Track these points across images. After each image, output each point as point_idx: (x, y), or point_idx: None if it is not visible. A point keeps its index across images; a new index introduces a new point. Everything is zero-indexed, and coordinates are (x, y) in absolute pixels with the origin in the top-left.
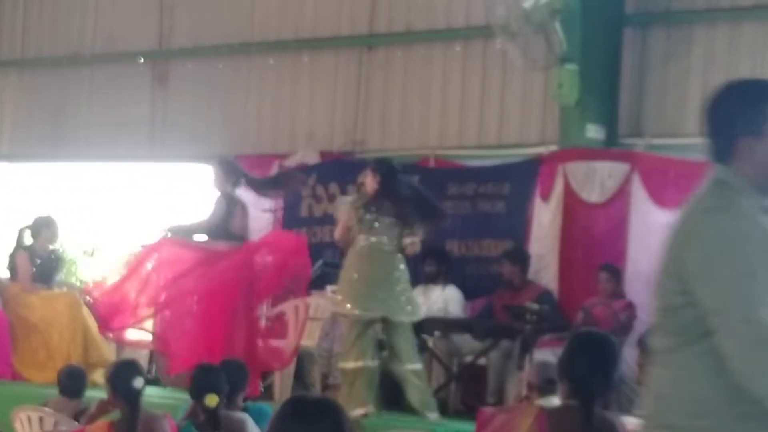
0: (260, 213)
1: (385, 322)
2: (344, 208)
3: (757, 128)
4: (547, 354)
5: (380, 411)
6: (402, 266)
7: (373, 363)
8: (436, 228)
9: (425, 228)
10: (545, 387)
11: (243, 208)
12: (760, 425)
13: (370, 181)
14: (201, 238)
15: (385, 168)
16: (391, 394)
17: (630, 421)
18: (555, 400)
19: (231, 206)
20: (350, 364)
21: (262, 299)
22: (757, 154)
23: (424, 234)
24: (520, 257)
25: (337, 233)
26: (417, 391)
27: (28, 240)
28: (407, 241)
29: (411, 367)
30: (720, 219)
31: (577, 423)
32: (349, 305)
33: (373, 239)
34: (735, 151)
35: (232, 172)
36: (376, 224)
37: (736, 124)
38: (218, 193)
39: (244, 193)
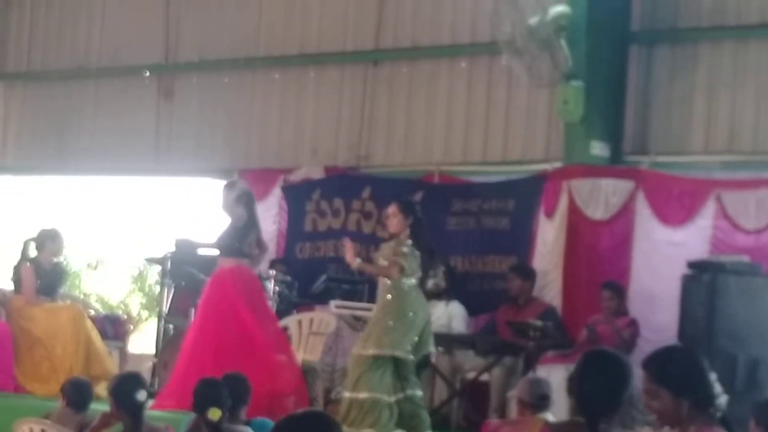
0: (264, 227)
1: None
2: (394, 250)
3: None
4: (545, 371)
5: None
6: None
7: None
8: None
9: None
10: (538, 403)
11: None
12: None
13: (399, 222)
14: (208, 252)
15: (414, 208)
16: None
17: None
18: (549, 416)
19: (248, 229)
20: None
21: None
22: None
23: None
24: (528, 273)
25: (392, 272)
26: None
27: (32, 252)
28: (431, 282)
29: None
30: None
31: None
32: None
33: (413, 281)
34: None
35: (241, 193)
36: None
37: None
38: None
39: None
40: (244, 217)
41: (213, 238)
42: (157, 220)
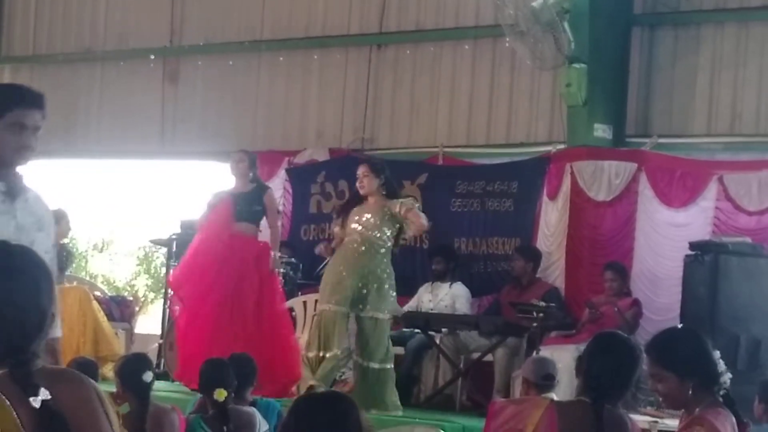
0: None
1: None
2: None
3: None
4: (549, 352)
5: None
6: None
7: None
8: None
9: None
10: (542, 383)
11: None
12: None
13: (370, 182)
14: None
15: (383, 167)
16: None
17: (639, 419)
18: (553, 396)
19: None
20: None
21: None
22: None
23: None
24: (533, 254)
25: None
26: None
27: None
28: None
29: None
30: None
31: (587, 419)
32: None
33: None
34: None
35: (254, 163)
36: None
37: None
38: (239, 180)
39: None
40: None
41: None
42: (163, 202)
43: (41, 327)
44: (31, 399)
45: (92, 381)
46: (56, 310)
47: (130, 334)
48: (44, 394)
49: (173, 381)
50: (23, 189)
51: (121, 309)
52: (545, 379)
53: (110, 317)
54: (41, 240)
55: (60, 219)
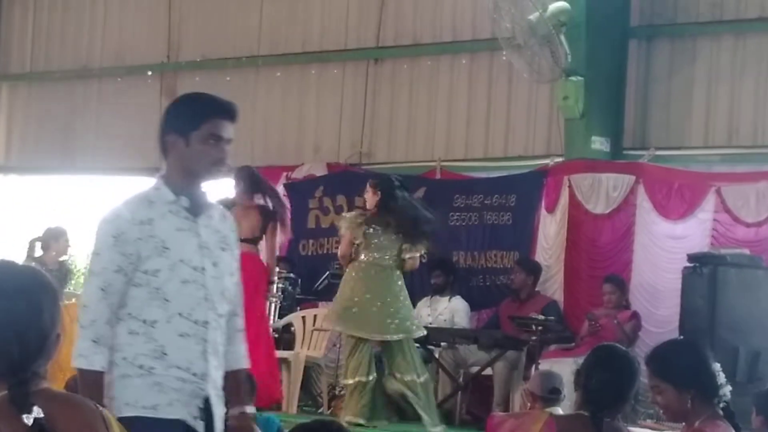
0: None
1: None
2: (346, 225)
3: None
4: (548, 365)
5: (375, 423)
6: (400, 282)
7: (367, 378)
8: (432, 241)
9: (425, 244)
10: (548, 397)
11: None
12: None
13: (370, 198)
14: None
15: (386, 185)
16: (400, 406)
17: None
18: (559, 410)
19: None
20: (348, 381)
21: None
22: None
23: (426, 249)
24: (534, 268)
25: (342, 249)
26: (417, 404)
27: (38, 252)
28: (407, 256)
29: (409, 378)
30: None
31: None
32: (339, 326)
33: (375, 255)
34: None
35: (256, 183)
36: (376, 241)
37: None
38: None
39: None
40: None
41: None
42: None
43: (42, 347)
44: (24, 417)
45: (99, 407)
46: (62, 330)
47: None
48: (37, 412)
49: None
50: (208, 205)
51: None
52: (551, 393)
53: None
54: (226, 260)
55: (59, 236)
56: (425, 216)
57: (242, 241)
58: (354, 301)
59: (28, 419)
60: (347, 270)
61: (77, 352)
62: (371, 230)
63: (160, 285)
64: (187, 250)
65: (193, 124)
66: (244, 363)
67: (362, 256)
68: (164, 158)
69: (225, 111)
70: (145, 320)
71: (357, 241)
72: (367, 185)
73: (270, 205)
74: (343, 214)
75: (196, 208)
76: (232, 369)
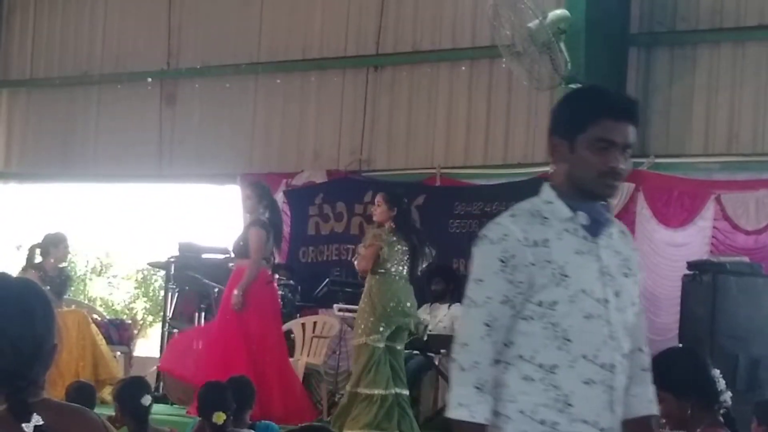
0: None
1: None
2: (378, 239)
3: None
4: None
5: None
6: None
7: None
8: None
9: (427, 260)
10: None
11: (269, 232)
12: None
13: (383, 212)
14: (212, 255)
15: (401, 201)
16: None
17: None
18: None
19: (266, 231)
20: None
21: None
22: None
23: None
24: None
25: (367, 263)
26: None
27: (38, 258)
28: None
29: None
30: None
31: None
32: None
33: (401, 269)
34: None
35: (263, 195)
36: (399, 255)
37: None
38: (248, 215)
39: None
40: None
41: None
42: (161, 225)
43: (37, 356)
44: (23, 425)
45: (100, 417)
46: (59, 340)
47: (128, 358)
48: (36, 419)
49: (172, 404)
50: (608, 221)
51: (119, 332)
52: None
53: (109, 340)
54: (629, 288)
55: (58, 243)
56: (424, 236)
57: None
58: (395, 311)
59: (27, 428)
60: (379, 284)
61: (456, 399)
62: (398, 246)
63: (558, 320)
64: (588, 278)
65: (578, 126)
66: (653, 408)
67: (392, 269)
68: (552, 162)
69: (619, 110)
70: (542, 364)
71: (387, 256)
72: (379, 198)
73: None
74: (372, 228)
75: (596, 225)
76: (639, 415)
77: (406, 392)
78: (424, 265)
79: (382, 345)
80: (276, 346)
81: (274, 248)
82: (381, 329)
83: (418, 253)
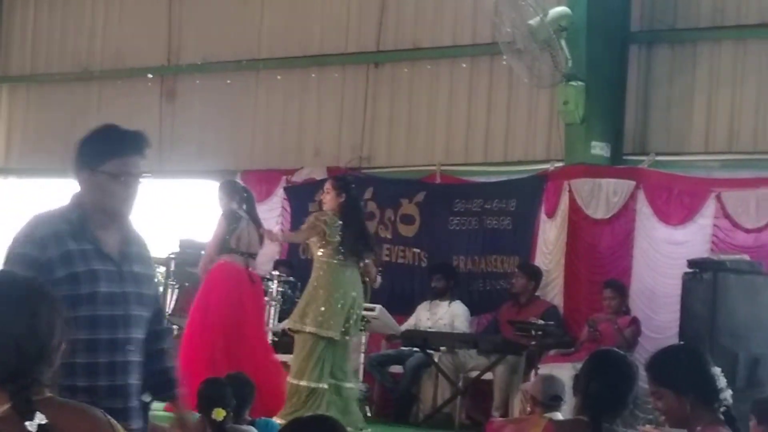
0: (267, 227)
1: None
2: (321, 220)
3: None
4: (547, 370)
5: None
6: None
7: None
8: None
9: (369, 255)
10: (549, 403)
11: (249, 224)
12: None
13: (333, 199)
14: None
15: (348, 186)
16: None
17: None
18: (558, 415)
19: (233, 223)
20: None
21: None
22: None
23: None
24: (535, 273)
25: (300, 236)
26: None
27: None
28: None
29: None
30: None
31: None
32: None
33: (340, 257)
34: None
35: (233, 191)
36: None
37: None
38: (222, 211)
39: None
40: (232, 214)
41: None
42: (161, 221)
43: (41, 354)
44: (27, 423)
45: (105, 414)
46: (65, 339)
47: None
48: (40, 418)
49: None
50: None
51: None
52: (552, 399)
53: None
54: None
55: None
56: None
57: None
58: (333, 301)
59: (31, 426)
60: (320, 271)
61: None
62: (335, 232)
63: None
64: None
65: None
66: None
67: (330, 258)
68: None
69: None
70: None
71: (331, 239)
72: (328, 185)
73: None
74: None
75: None
76: None
77: (348, 384)
78: (368, 258)
79: (323, 335)
80: (255, 342)
81: (257, 241)
82: (320, 319)
83: (358, 240)
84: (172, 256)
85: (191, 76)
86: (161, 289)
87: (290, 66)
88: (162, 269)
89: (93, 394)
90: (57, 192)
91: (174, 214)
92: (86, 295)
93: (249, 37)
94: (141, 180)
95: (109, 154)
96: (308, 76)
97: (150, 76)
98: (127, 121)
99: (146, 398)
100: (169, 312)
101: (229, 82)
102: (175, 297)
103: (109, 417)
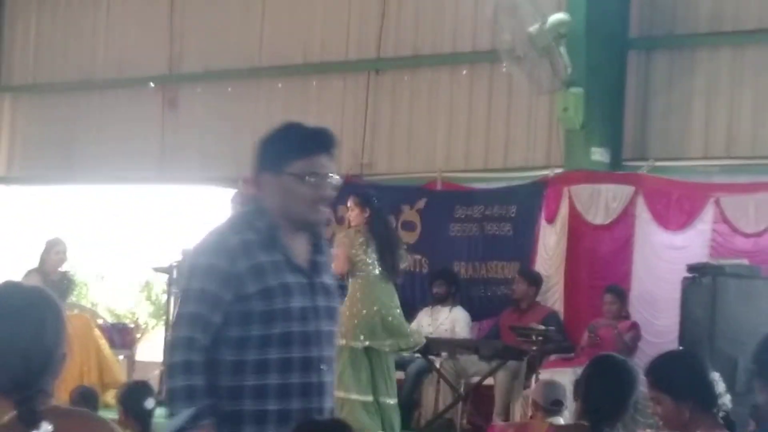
0: None
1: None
2: (345, 241)
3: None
4: (548, 375)
5: None
6: None
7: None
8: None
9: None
10: (550, 408)
11: None
12: None
13: (357, 215)
14: None
15: (371, 200)
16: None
17: None
18: (560, 420)
19: None
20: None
21: None
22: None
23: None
24: (535, 278)
25: (340, 266)
26: None
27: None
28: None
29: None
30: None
31: None
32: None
33: (375, 271)
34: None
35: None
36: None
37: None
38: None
39: None
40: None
41: None
42: (163, 229)
43: (47, 365)
44: None
45: (110, 422)
46: (68, 349)
47: (131, 361)
48: (46, 427)
49: None
50: None
51: (122, 336)
52: (553, 404)
53: (111, 344)
54: None
55: (50, 248)
56: (399, 241)
57: None
58: (377, 314)
59: None
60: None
61: None
62: (370, 248)
63: None
64: None
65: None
66: None
67: (371, 273)
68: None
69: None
70: None
71: (357, 259)
72: (351, 202)
73: None
74: (341, 231)
75: None
76: None
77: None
78: (402, 266)
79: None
80: None
81: None
82: (359, 332)
83: (387, 252)
84: (175, 264)
85: (192, 85)
86: (165, 297)
87: (291, 74)
88: (165, 277)
89: (284, 418)
90: (59, 200)
91: (176, 221)
92: (280, 311)
93: (250, 45)
94: (330, 181)
95: (294, 153)
96: (309, 83)
97: (152, 84)
98: (128, 129)
99: (149, 405)
100: (172, 320)
101: (230, 90)
102: (177, 306)
103: (113, 424)
